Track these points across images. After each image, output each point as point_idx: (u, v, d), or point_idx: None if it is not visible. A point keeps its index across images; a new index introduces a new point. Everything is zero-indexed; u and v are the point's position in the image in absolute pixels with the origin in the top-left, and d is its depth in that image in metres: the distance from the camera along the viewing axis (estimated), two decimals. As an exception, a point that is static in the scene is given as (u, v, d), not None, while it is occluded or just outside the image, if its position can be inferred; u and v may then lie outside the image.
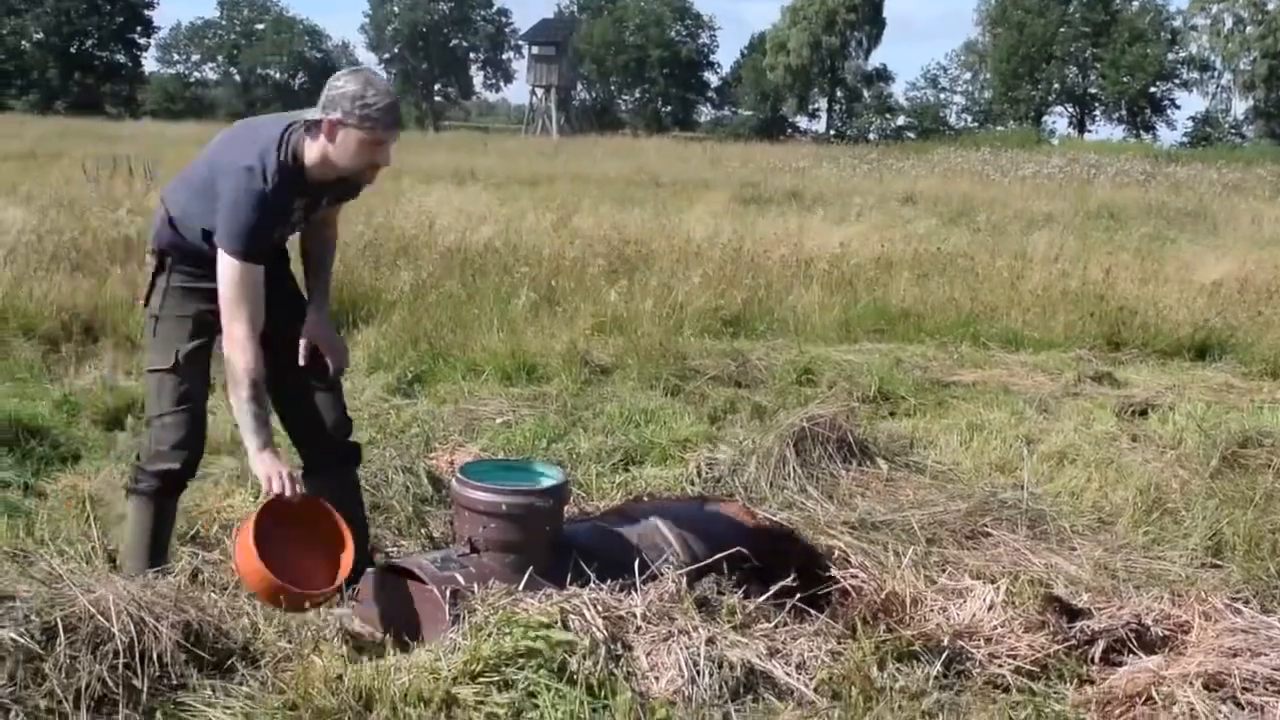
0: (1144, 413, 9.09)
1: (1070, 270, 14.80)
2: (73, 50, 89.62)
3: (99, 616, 3.94)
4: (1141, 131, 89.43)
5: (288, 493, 4.46)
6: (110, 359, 8.83)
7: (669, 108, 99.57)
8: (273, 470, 4.48)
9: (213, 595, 4.75)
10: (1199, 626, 4.73)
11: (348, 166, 4.63)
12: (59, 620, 3.89)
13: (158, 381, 4.80)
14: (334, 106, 4.51)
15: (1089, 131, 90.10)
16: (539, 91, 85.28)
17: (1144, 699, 4.31)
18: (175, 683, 3.97)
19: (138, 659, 3.92)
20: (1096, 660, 4.67)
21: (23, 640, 3.79)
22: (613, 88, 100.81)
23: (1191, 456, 7.27)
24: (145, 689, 3.86)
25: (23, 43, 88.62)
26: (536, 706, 3.98)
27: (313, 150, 4.60)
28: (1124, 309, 12.61)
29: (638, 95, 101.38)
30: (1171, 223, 24.69)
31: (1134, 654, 4.66)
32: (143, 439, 4.93)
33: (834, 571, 5.12)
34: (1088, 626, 4.79)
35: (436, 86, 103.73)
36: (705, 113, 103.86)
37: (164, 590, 4.30)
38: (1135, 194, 32.11)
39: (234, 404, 4.57)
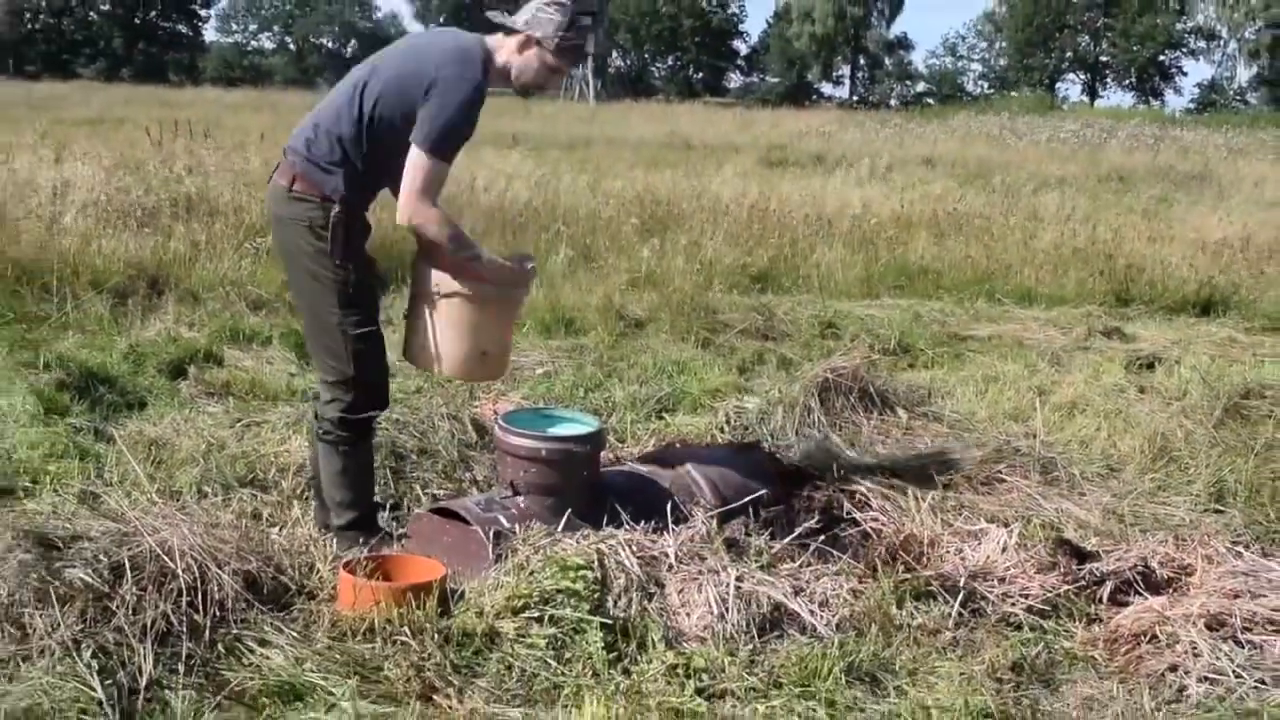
0: (1151, 366, 9.04)
1: (1081, 230, 14.69)
2: (137, 20, 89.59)
3: (164, 557, 3.97)
4: (1150, 98, 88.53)
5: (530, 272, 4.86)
6: (174, 312, 8.86)
7: (700, 75, 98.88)
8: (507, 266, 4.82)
9: (273, 535, 4.79)
10: (1202, 569, 4.71)
11: (522, 79, 4.77)
12: (126, 560, 3.92)
13: (367, 340, 4.72)
14: (537, 26, 4.69)
15: (1100, 98, 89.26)
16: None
17: (1149, 637, 4.30)
18: (236, 617, 4.00)
19: (200, 597, 3.94)
20: (1104, 600, 4.66)
21: (92, 580, 3.82)
22: (646, 55, 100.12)
23: (1196, 407, 7.21)
24: (207, 625, 3.89)
25: (90, 13, 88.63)
26: (574, 641, 4.00)
27: (501, 54, 4.73)
28: (1132, 267, 12.54)
29: (670, 63, 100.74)
30: (1178, 185, 24.42)
31: (1140, 595, 4.65)
32: (340, 395, 4.75)
33: (855, 515, 5.11)
34: (1096, 568, 4.78)
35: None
36: (734, 79, 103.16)
37: (226, 533, 4.33)
38: (1144, 158, 31.78)
39: (451, 248, 4.62)
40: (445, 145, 4.54)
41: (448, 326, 4.78)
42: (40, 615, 3.70)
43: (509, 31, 4.74)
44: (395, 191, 4.65)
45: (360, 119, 4.60)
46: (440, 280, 4.74)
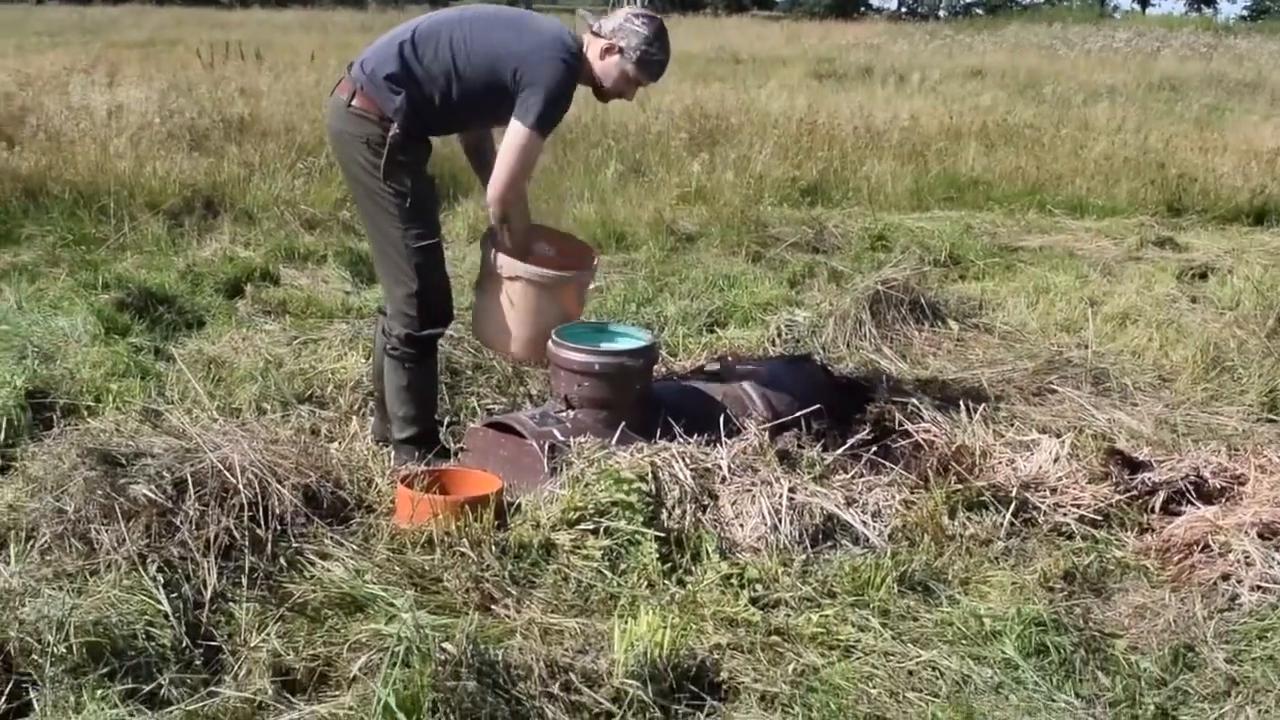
0: (1203, 275, 8.94)
1: (1132, 140, 14.47)
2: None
3: (225, 473, 4.00)
4: (1203, 5, 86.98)
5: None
6: (230, 231, 8.89)
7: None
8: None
9: (331, 450, 4.82)
10: (1254, 479, 4.67)
11: (601, 84, 4.79)
12: (188, 476, 3.96)
13: (429, 252, 4.76)
14: (622, 35, 4.69)
15: (1152, 6, 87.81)
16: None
17: (1201, 546, 4.28)
18: (296, 531, 4.04)
19: (261, 511, 3.98)
20: (1156, 510, 4.64)
21: (156, 496, 3.86)
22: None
23: (1249, 317, 7.13)
24: (269, 539, 3.93)
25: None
26: (629, 552, 4.02)
27: (589, 51, 4.74)
28: (1184, 176, 12.36)
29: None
30: (1231, 93, 23.96)
31: (1192, 504, 4.62)
32: (406, 310, 4.78)
33: (907, 426, 5.10)
34: (1148, 478, 4.75)
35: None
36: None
37: (285, 449, 4.36)
38: (1197, 66, 31.13)
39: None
40: (547, 122, 4.60)
41: (511, 309, 4.87)
42: (106, 531, 3.75)
43: (593, 37, 4.74)
44: (465, 135, 5.06)
45: (442, 66, 4.62)
46: (505, 263, 4.82)
